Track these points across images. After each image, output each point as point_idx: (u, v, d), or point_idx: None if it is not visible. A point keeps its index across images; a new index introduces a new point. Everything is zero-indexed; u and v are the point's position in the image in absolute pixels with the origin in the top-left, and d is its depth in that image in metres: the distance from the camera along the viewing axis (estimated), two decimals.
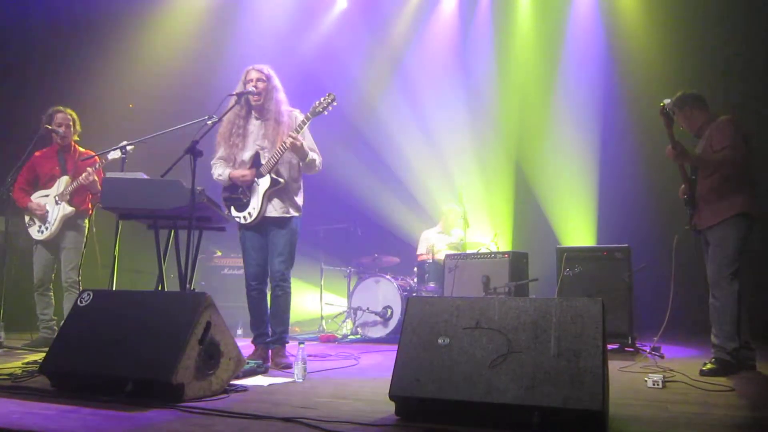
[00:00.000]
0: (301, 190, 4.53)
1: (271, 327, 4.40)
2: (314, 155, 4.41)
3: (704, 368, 4.10)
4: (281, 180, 4.32)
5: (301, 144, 4.23)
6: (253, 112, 4.43)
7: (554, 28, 8.15)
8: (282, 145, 4.21)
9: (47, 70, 6.92)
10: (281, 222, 4.36)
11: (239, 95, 4.27)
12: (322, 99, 4.27)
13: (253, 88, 4.32)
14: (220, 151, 4.47)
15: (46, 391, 3.07)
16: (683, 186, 4.48)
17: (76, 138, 5.48)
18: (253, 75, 4.37)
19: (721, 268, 4.20)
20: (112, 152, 4.68)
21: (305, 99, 4.49)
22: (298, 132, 4.23)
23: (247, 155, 4.38)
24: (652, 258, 5.83)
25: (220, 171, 4.44)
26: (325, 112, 4.29)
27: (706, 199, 4.30)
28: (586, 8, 7.98)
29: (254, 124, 4.43)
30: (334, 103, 4.27)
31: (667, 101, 4.25)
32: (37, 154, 5.38)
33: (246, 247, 4.43)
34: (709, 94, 4.53)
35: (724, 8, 6.86)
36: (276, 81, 4.44)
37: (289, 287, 4.39)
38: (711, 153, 4.25)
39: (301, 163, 4.42)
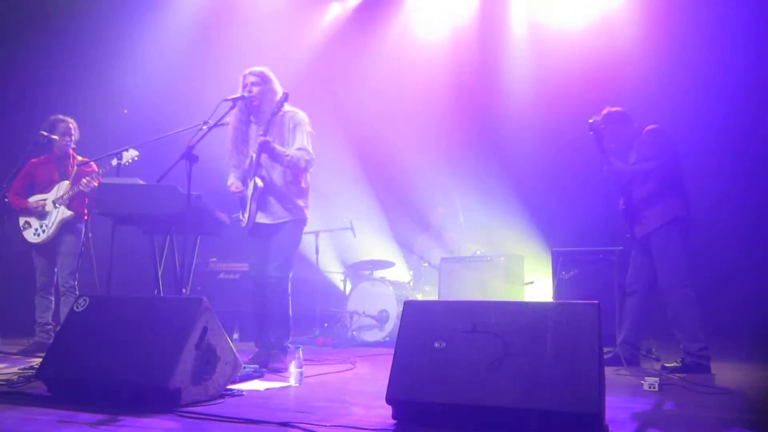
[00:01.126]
0: (303, 192, 4.48)
1: (270, 332, 4.40)
2: (292, 154, 4.30)
3: (667, 364, 4.30)
4: (260, 183, 4.29)
5: (263, 140, 4.16)
6: (252, 117, 4.44)
7: (550, 27, 8.17)
8: (255, 149, 4.22)
9: (40, 76, 6.91)
10: (279, 227, 4.36)
11: (233, 100, 4.27)
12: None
13: (247, 93, 4.33)
14: (230, 159, 4.49)
15: (42, 396, 3.06)
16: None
17: (73, 145, 5.49)
18: (249, 79, 4.37)
19: (671, 272, 4.35)
20: (114, 158, 4.74)
21: (301, 103, 4.50)
22: (266, 131, 4.20)
23: (245, 161, 4.39)
24: None
25: (228, 181, 4.49)
26: (280, 112, 4.28)
27: (643, 207, 4.47)
28: (586, 7, 8.01)
29: (253, 129, 4.43)
30: (285, 101, 4.27)
31: (595, 118, 4.47)
32: (33, 160, 5.36)
33: (250, 252, 4.47)
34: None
35: (718, 13, 6.89)
36: (274, 84, 4.42)
37: (285, 293, 4.35)
38: (643, 162, 4.44)
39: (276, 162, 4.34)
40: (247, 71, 4.40)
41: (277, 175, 4.37)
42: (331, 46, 8.70)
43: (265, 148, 4.21)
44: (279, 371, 4.08)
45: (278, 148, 4.28)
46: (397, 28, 8.83)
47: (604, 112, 4.64)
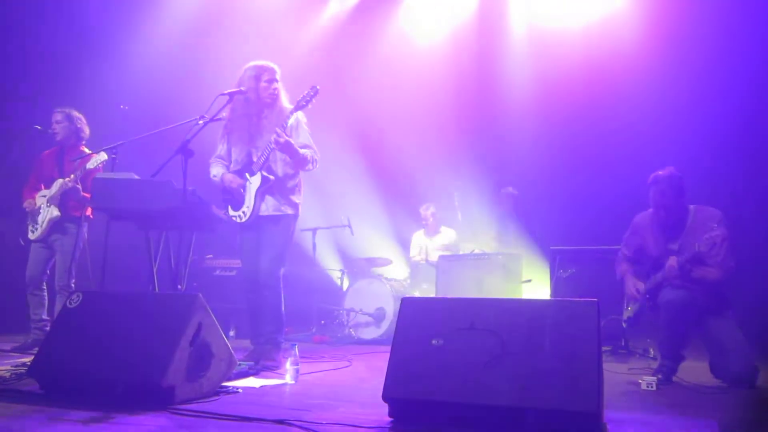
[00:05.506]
0: (299, 188, 4.47)
1: (263, 327, 4.37)
2: (307, 152, 4.33)
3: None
4: (271, 177, 4.28)
5: (286, 141, 4.15)
6: (252, 110, 4.41)
7: (546, 25, 8.16)
8: (269, 144, 4.19)
9: (41, 72, 6.88)
10: (275, 220, 4.33)
11: (230, 95, 4.23)
12: (305, 93, 4.24)
13: (245, 87, 4.30)
14: (219, 149, 4.49)
15: (34, 394, 3.02)
16: (637, 288, 4.08)
17: (86, 134, 5.44)
18: (247, 73, 4.34)
19: None
20: (92, 160, 4.76)
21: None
22: (284, 127, 4.19)
23: (242, 154, 4.36)
24: None
25: (215, 172, 4.45)
26: (309, 106, 4.27)
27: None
28: (587, 6, 7.99)
29: (252, 122, 4.41)
30: (317, 96, 4.24)
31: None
32: (44, 153, 5.39)
33: (242, 248, 4.43)
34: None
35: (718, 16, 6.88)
36: (277, 77, 4.41)
37: (279, 286, 4.34)
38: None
39: (292, 161, 4.35)
40: (246, 66, 4.38)
41: (279, 168, 4.35)
42: (329, 43, 8.67)
43: (287, 149, 4.19)
44: (271, 368, 4.05)
45: (300, 150, 4.27)
46: (398, 25, 8.82)
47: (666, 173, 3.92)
